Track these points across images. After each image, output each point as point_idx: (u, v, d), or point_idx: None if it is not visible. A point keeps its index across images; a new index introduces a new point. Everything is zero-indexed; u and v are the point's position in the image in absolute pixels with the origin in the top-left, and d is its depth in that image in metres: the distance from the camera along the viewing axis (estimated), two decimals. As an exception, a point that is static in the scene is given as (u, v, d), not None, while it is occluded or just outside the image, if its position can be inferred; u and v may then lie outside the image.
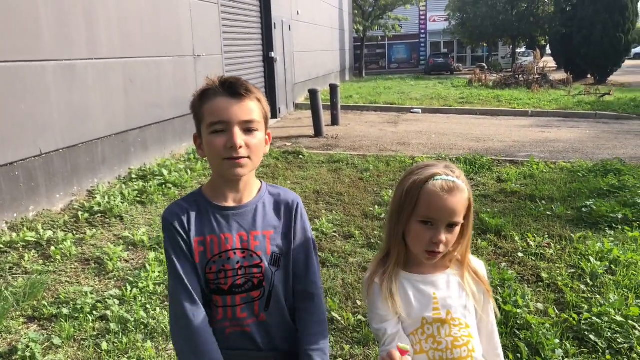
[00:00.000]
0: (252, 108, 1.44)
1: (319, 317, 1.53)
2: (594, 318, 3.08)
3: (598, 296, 3.44)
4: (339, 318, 3.29)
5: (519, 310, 3.18)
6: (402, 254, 1.50)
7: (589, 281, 3.69)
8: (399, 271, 1.50)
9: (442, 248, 1.42)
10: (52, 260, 4.27)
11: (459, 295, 1.48)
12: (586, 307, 3.28)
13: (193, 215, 1.48)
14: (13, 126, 5.06)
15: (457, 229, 1.45)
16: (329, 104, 11.73)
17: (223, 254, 1.46)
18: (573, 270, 3.90)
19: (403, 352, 1.31)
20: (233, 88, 1.42)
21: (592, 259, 3.92)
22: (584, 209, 5.10)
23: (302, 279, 1.54)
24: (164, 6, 7.86)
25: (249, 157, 1.43)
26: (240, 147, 1.40)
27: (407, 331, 1.45)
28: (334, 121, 11.67)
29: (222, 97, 1.42)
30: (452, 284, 1.49)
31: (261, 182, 1.59)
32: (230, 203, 1.51)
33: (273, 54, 12.68)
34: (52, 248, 4.42)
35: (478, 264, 1.57)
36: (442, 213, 1.41)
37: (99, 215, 5.28)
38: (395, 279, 1.48)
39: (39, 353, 2.99)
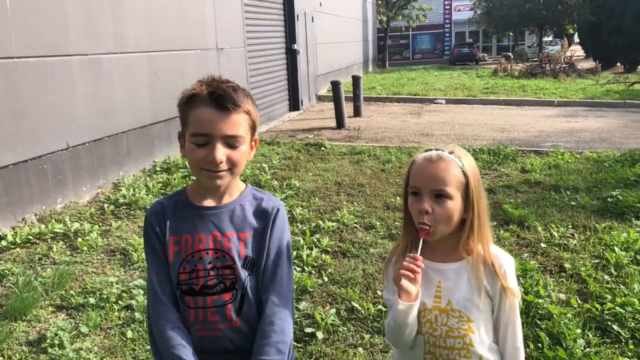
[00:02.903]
0: (239, 122, 1.41)
1: (277, 326, 1.45)
2: (617, 308, 3.04)
3: (622, 286, 3.38)
4: (359, 308, 3.30)
5: (540, 300, 3.15)
6: (413, 235, 1.51)
7: (613, 271, 3.64)
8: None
9: (428, 219, 1.42)
10: (79, 251, 4.38)
11: (466, 288, 1.46)
12: (609, 297, 3.24)
13: (170, 214, 1.49)
14: (42, 120, 5.18)
15: (449, 203, 1.42)
16: (352, 95, 11.71)
17: (195, 254, 1.45)
18: (597, 261, 3.84)
19: (420, 230, 1.43)
20: (220, 101, 1.38)
21: (617, 249, 3.86)
22: (609, 199, 5.01)
23: (266, 288, 1.48)
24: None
25: (228, 170, 1.42)
26: (221, 162, 1.39)
27: None
28: (356, 113, 11.65)
29: (208, 108, 1.39)
30: (462, 276, 1.47)
31: (247, 185, 1.57)
32: (208, 203, 1.50)
33: (296, 46, 12.69)
34: (79, 239, 4.53)
35: (502, 259, 1.49)
36: (423, 180, 1.44)
37: (124, 207, 5.39)
38: None
39: (67, 341, 3.08)
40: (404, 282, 1.40)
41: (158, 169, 6.75)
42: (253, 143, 1.51)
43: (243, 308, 1.46)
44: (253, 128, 1.48)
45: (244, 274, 1.45)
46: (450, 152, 1.46)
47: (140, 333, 3.15)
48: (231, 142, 1.40)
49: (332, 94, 10.68)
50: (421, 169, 1.45)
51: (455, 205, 1.43)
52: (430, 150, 1.49)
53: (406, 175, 1.52)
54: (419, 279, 1.42)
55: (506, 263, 1.48)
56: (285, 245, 1.52)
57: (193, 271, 1.44)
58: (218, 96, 1.38)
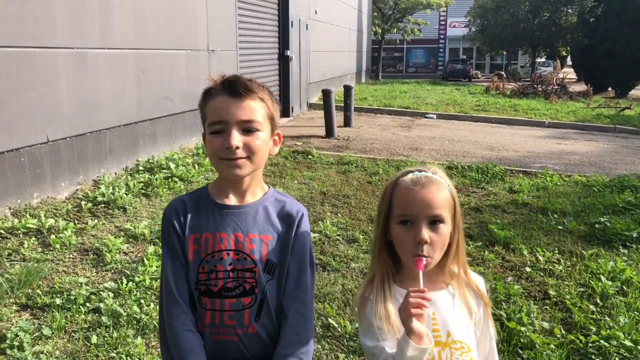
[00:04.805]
0: (253, 107, 1.39)
1: (301, 336, 1.41)
2: (601, 341, 2.95)
3: (607, 318, 3.30)
4: (336, 325, 3.18)
5: (523, 328, 3.05)
6: (388, 265, 1.39)
7: (598, 301, 3.55)
8: (394, 287, 1.38)
9: (427, 250, 1.30)
10: (51, 248, 4.23)
11: (461, 316, 1.37)
12: (594, 329, 3.15)
13: (192, 211, 1.44)
14: (21, 112, 5.03)
15: (444, 228, 1.33)
16: (343, 105, 11.64)
17: (216, 254, 1.40)
18: (582, 289, 3.75)
19: (417, 263, 1.30)
20: (232, 87, 1.37)
21: (603, 278, 3.78)
22: (597, 225, 4.95)
23: (290, 294, 1.44)
24: (180, -2, 7.82)
25: (247, 158, 1.37)
26: (237, 148, 1.35)
27: None
28: (347, 123, 11.58)
29: (222, 97, 1.38)
30: (453, 304, 1.38)
31: (269, 187, 1.53)
32: (231, 202, 1.45)
33: (288, 53, 12.61)
34: (52, 236, 4.38)
35: (478, 279, 1.46)
36: (417, 207, 1.32)
37: (102, 205, 5.23)
38: (391, 296, 1.36)
39: (27, 343, 2.94)
40: (416, 324, 1.23)
41: (141, 168, 6.59)
42: (277, 138, 1.49)
43: (261, 314, 1.40)
44: (271, 118, 1.44)
45: (264, 278, 1.40)
46: (434, 173, 1.37)
47: (105, 339, 3.01)
48: (247, 128, 1.37)
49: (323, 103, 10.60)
50: (412, 194, 1.33)
51: (448, 229, 1.34)
52: (410, 172, 1.38)
53: (385, 200, 1.38)
54: (425, 317, 1.27)
55: (483, 283, 1.44)
56: (309, 251, 1.48)
57: (212, 272, 1.39)
58: (230, 83, 1.38)
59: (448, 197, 1.34)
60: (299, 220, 1.46)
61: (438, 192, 1.33)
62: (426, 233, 1.30)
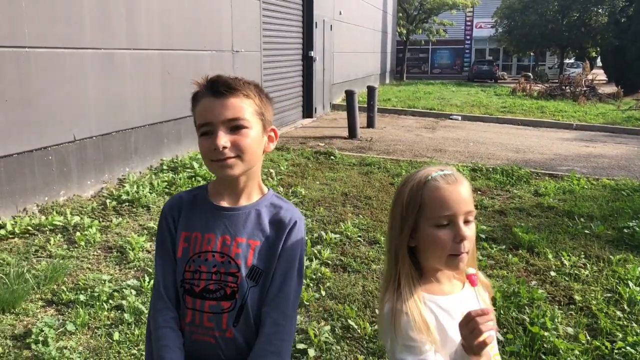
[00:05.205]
0: (238, 105, 1.35)
1: (275, 347, 1.36)
2: (628, 348, 2.87)
3: (635, 324, 3.21)
4: (355, 326, 3.17)
5: (546, 333, 2.99)
6: (412, 271, 1.34)
7: (626, 307, 3.46)
8: (422, 294, 1.33)
9: (467, 246, 1.28)
10: (76, 245, 4.30)
11: None
12: (621, 335, 3.07)
13: (186, 209, 1.45)
14: (50, 112, 5.13)
15: (474, 224, 1.32)
16: (366, 106, 11.61)
17: (202, 254, 1.40)
18: (609, 295, 3.66)
19: (472, 280, 1.27)
20: (214, 87, 1.35)
21: (631, 284, 3.68)
22: (625, 230, 4.82)
23: (269, 303, 1.38)
24: (205, 0, 7.89)
25: (238, 157, 1.35)
26: (225, 147, 1.33)
27: None
28: (370, 124, 11.54)
29: (207, 98, 1.37)
30: (475, 300, 1.33)
31: (269, 190, 1.50)
32: (224, 203, 1.44)
33: (312, 53, 12.62)
34: (78, 234, 4.45)
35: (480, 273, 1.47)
36: (456, 205, 1.28)
37: (127, 204, 5.30)
38: (422, 304, 1.30)
39: (51, 338, 2.99)
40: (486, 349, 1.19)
41: (165, 167, 6.67)
42: (272, 134, 1.46)
43: (240, 320, 1.38)
44: (261, 115, 1.40)
45: (247, 284, 1.37)
46: (451, 171, 1.36)
47: (127, 335, 3.05)
48: (234, 127, 1.34)
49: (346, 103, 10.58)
50: (448, 193, 1.29)
51: (475, 224, 1.33)
52: (434, 172, 1.34)
53: (414, 203, 1.31)
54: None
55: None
56: (298, 260, 1.42)
57: (197, 271, 1.39)
58: (212, 83, 1.37)
59: (472, 193, 1.34)
60: (291, 229, 1.41)
61: (466, 188, 1.32)
62: (466, 230, 1.28)
